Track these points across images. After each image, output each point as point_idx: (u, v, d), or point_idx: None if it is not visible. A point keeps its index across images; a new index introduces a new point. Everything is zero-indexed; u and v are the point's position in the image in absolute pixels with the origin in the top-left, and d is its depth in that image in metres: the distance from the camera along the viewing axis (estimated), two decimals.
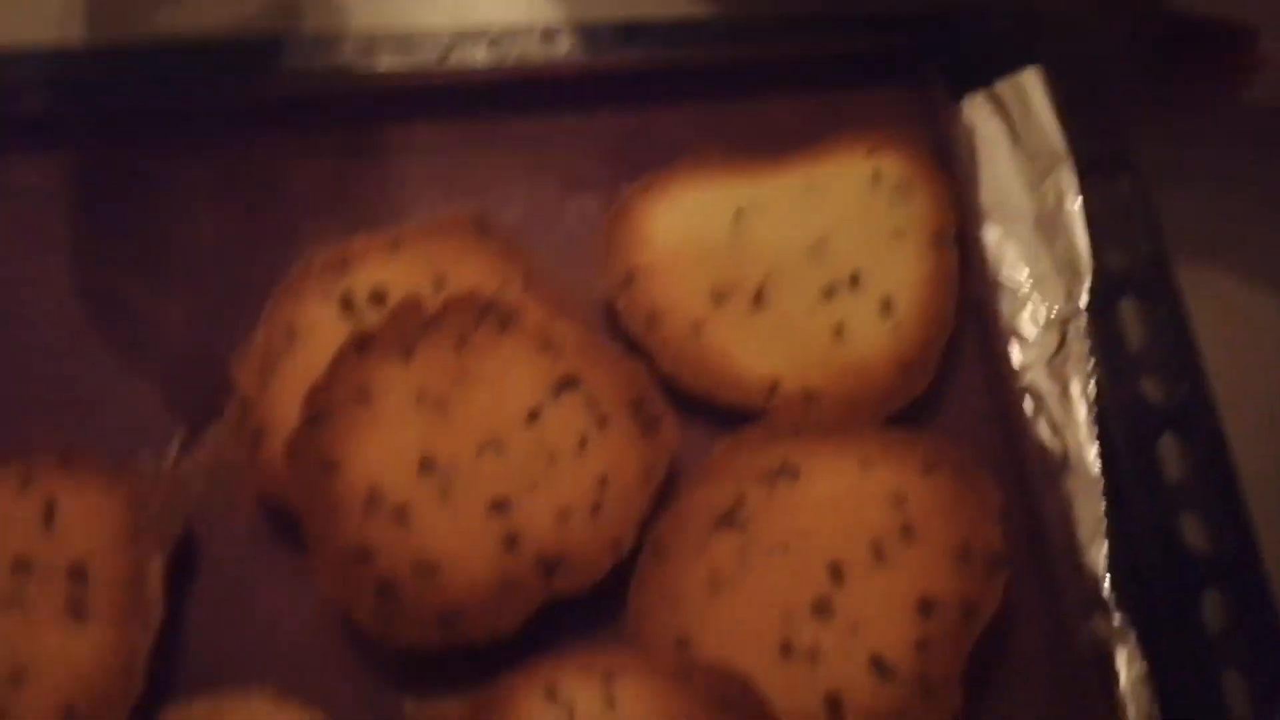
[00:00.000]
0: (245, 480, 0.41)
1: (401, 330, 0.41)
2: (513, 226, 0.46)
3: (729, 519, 0.39)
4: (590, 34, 0.51)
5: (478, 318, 0.41)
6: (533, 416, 0.40)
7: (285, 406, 0.40)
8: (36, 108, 0.49)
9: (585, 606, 0.39)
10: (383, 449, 0.39)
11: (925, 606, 0.37)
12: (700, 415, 0.42)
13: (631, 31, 0.51)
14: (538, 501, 0.38)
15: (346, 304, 0.43)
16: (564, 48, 0.51)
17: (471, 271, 0.44)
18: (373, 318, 0.42)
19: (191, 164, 0.49)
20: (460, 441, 0.39)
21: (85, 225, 0.48)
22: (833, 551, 0.38)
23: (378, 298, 0.43)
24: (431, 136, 0.49)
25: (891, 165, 0.47)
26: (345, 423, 0.39)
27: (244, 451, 0.40)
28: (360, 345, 0.40)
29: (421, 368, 0.40)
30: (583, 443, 0.39)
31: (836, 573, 0.38)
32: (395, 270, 0.43)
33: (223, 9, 0.53)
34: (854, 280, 0.44)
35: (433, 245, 0.44)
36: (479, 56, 0.50)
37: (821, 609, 0.37)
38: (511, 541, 0.38)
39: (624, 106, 0.50)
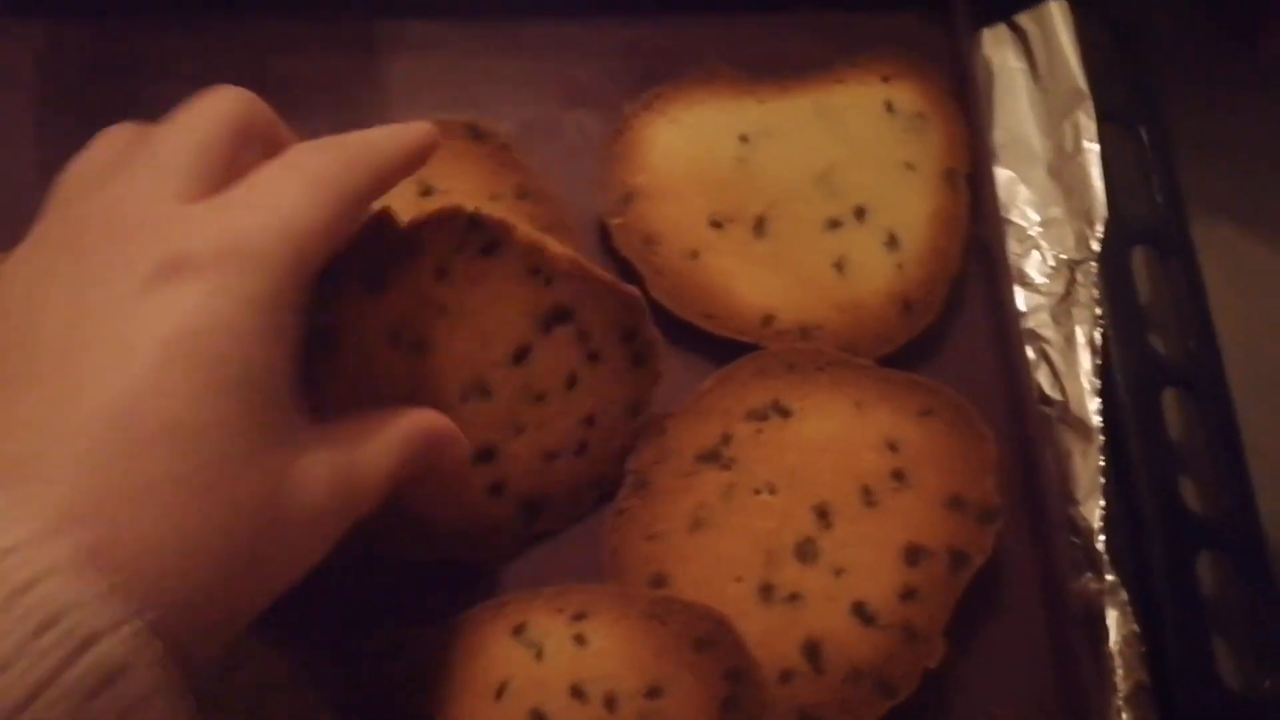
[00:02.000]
0: None
1: (370, 255, 0.32)
2: (506, 136, 0.43)
3: (715, 455, 0.37)
4: None
5: (459, 240, 0.33)
6: (520, 355, 0.35)
7: None
8: None
9: (560, 542, 0.37)
10: (353, 398, 0.32)
11: (912, 554, 0.35)
12: (691, 346, 0.40)
13: None
14: (524, 445, 0.36)
15: None
16: None
17: (460, 181, 0.41)
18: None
19: (175, 48, 0.46)
20: (443, 387, 0.34)
21: (59, 107, 0.45)
22: (821, 493, 0.36)
23: None
24: (426, 35, 0.46)
25: (906, 95, 0.44)
26: (309, 369, 0.30)
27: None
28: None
29: (395, 301, 0.33)
30: (572, 381, 0.36)
31: (823, 515, 0.36)
32: None
33: None
34: (859, 213, 0.41)
35: None
36: None
37: (806, 552, 0.35)
38: (497, 490, 0.35)
39: (629, 17, 0.47)
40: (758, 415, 0.38)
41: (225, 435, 0.24)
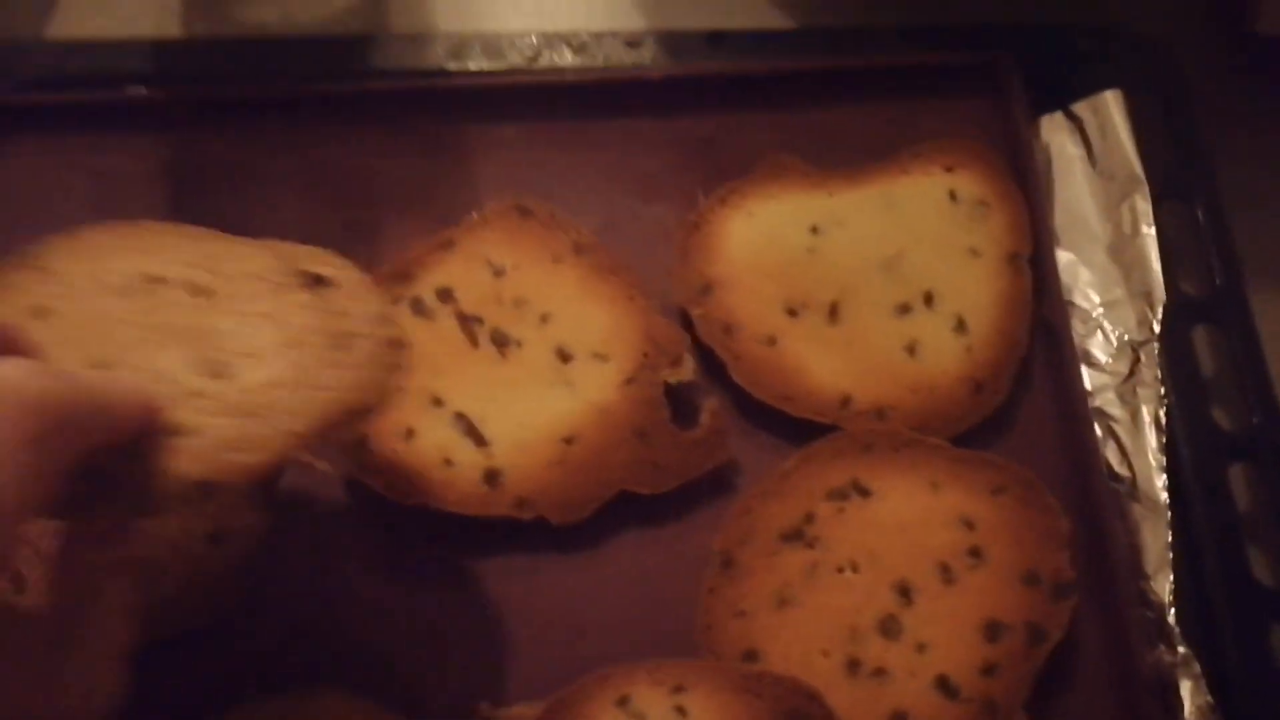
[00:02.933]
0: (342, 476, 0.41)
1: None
2: (550, 208, 0.45)
3: (798, 535, 0.38)
4: (673, 41, 0.50)
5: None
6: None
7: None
8: (135, 96, 0.48)
9: (654, 617, 0.39)
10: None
11: (992, 630, 0.36)
12: (772, 428, 0.42)
13: (714, 39, 0.50)
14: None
15: (418, 308, 0.43)
16: (647, 54, 0.50)
17: (522, 254, 0.44)
18: (444, 315, 0.42)
19: (280, 155, 0.48)
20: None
21: (175, 211, 0.48)
22: (901, 571, 0.38)
23: (445, 296, 0.43)
24: (514, 136, 0.49)
25: (969, 183, 0.46)
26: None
27: (349, 453, 0.40)
28: None
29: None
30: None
31: (904, 592, 0.37)
32: (453, 268, 0.44)
33: (308, 7, 0.53)
34: (928, 298, 0.43)
35: (483, 238, 0.45)
36: (565, 60, 0.50)
37: (889, 628, 0.37)
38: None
39: (703, 114, 0.49)
40: (838, 495, 0.39)
41: None
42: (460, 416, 0.40)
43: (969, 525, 0.38)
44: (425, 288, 0.43)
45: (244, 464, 0.30)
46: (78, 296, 0.32)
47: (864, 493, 0.39)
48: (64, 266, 0.33)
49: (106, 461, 0.28)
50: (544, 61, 0.49)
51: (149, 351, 0.31)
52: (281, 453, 0.30)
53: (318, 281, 0.34)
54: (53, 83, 0.49)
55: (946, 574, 0.37)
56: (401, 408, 0.40)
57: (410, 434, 0.40)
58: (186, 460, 0.29)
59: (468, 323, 0.42)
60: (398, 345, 0.34)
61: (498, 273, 0.44)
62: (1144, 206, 0.44)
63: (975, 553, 0.38)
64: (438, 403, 0.41)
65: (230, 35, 0.52)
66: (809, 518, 0.39)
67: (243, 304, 0.33)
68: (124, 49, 0.50)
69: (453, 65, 0.49)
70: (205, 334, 0.32)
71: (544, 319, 0.42)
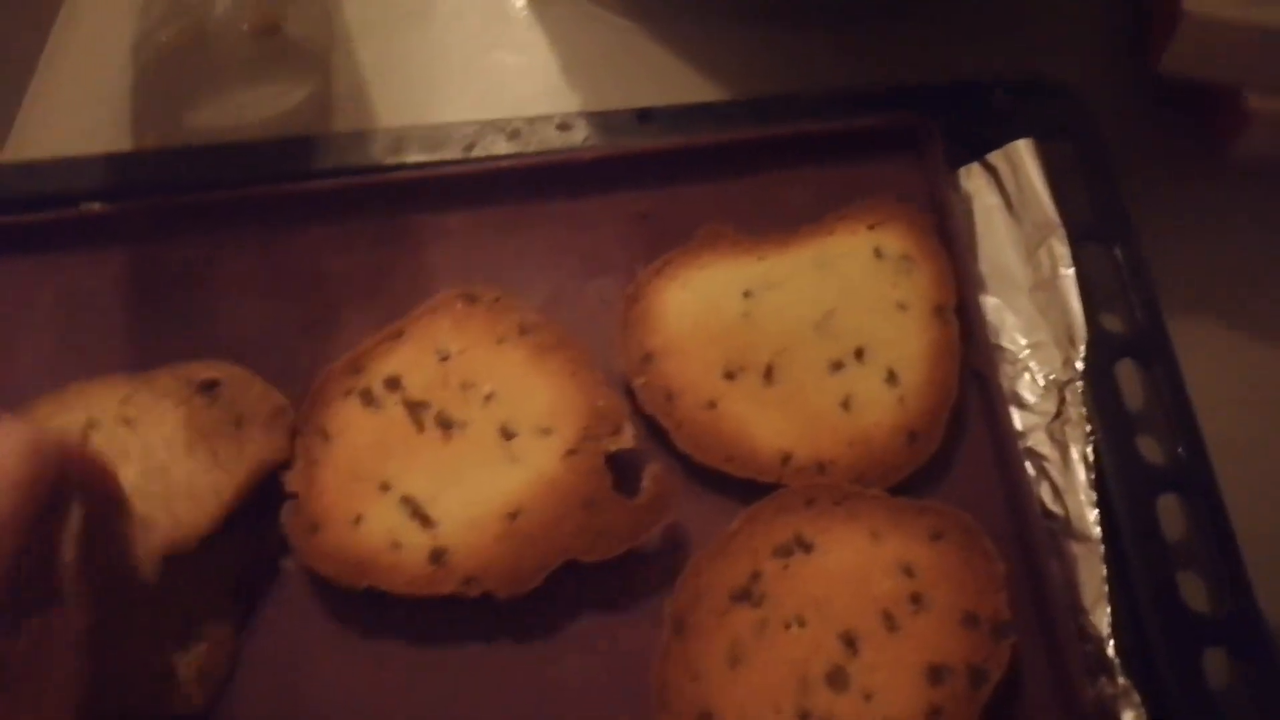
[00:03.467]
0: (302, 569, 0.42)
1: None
2: (495, 293, 0.47)
3: (746, 594, 0.39)
4: (603, 120, 0.52)
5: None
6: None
7: (331, 501, 0.42)
8: (93, 212, 0.50)
9: (610, 683, 0.39)
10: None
11: (935, 674, 0.37)
12: (717, 489, 0.43)
13: (643, 116, 0.52)
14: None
15: (367, 398, 0.44)
16: (580, 135, 0.52)
17: (467, 339, 0.46)
18: (392, 403, 0.44)
19: (237, 258, 0.50)
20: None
21: (139, 320, 0.49)
22: (846, 622, 0.39)
23: (392, 384, 0.44)
24: (458, 224, 0.50)
25: (893, 240, 0.47)
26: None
27: (301, 542, 0.42)
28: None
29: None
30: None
31: (850, 642, 0.38)
32: (401, 357, 0.45)
33: (256, 110, 0.55)
34: (859, 353, 0.45)
35: (429, 326, 0.46)
36: (501, 147, 0.51)
37: (836, 679, 0.38)
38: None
39: (639, 189, 0.50)
40: (783, 551, 0.40)
41: None
42: (407, 500, 0.42)
43: (909, 572, 0.39)
44: (374, 378, 0.45)
45: (191, 534, 0.40)
46: None
47: (807, 547, 0.40)
48: None
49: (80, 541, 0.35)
50: (480, 150, 0.51)
51: None
52: (217, 516, 0.41)
53: (211, 385, 0.44)
54: (12, 205, 0.51)
55: (889, 622, 0.38)
56: (351, 496, 0.42)
57: (359, 520, 0.41)
58: (150, 540, 0.39)
59: (414, 409, 0.44)
60: (283, 412, 0.44)
61: (444, 358, 0.45)
62: (1061, 249, 0.45)
63: (916, 599, 0.39)
64: (385, 488, 0.42)
65: (181, 144, 0.54)
66: (755, 576, 0.40)
67: (161, 421, 0.43)
68: (80, 166, 0.52)
69: (392, 160, 0.51)
70: (143, 451, 0.42)
71: (488, 398, 0.44)
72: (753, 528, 0.41)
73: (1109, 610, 0.39)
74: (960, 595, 0.39)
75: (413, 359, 0.45)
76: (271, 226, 0.50)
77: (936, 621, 0.38)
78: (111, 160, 0.52)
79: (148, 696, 0.40)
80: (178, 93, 0.55)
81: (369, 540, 0.41)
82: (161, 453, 0.42)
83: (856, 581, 0.39)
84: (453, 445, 0.43)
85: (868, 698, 0.37)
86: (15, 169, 0.53)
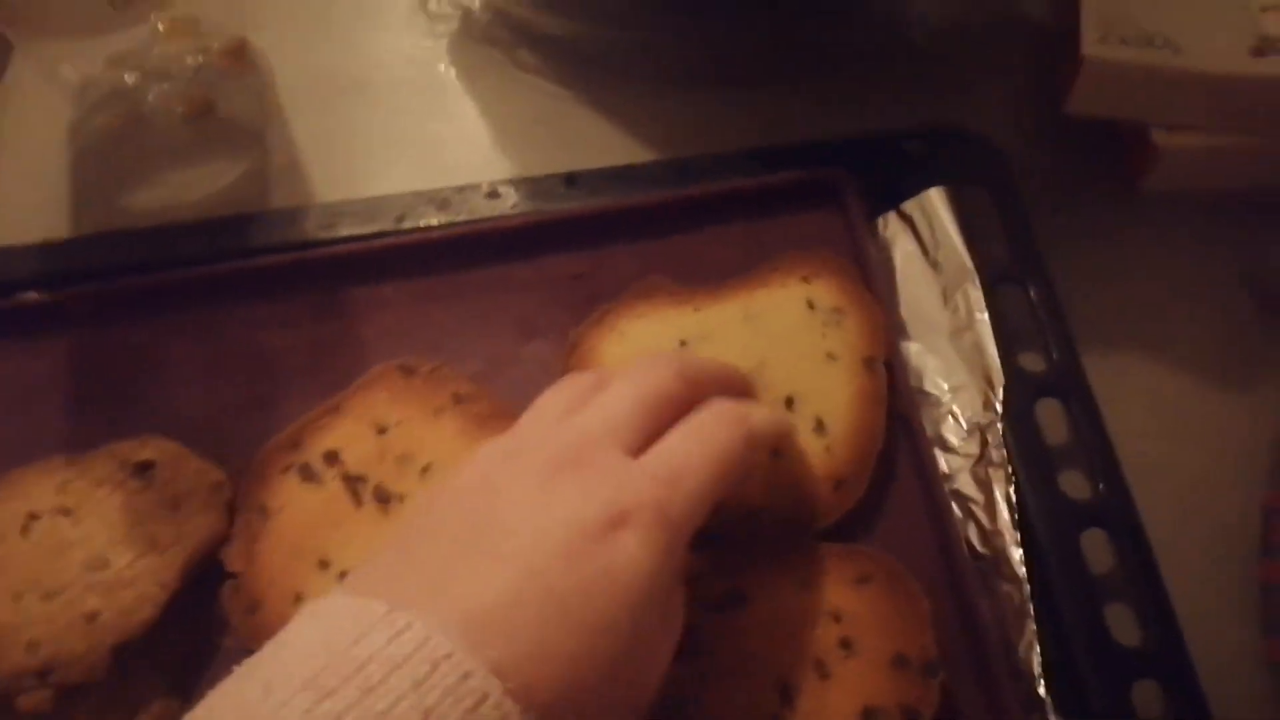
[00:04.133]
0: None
1: None
2: (431, 365, 0.48)
3: (692, 648, 0.40)
4: (532, 186, 0.53)
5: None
6: None
7: (271, 579, 0.42)
8: (29, 301, 0.50)
9: None
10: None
11: (869, 717, 0.38)
12: None
13: (570, 180, 0.53)
14: None
15: (306, 473, 0.44)
16: (509, 202, 0.52)
17: (405, 410, 0.46)
18: (330, 478, 0.44)
19: (176, 339, 0.50)
20: None
21: (82, 403, 0.49)
22: (780, 672, 0.39)
23: (331, 459, 0.45)
24: (394, 294, 0.51)
25: (824, 291, 0.48)
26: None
27: (240, 621, 0.42)
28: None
29: None
30: None
31: (785, 693, 0.38)
32: (340, 431, 0.45)
33: (192, 189, 0.55)
34: (789, 402, 0.45)
35: (367, 399, 0.46)
36: (431, 217, 0.52)
37: None
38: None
39: (570, 251, 0.51)
40: (719, 605, 0.41)
41: (629, 632, 0.32)
42: (345, 575, 0.42)
43: (837, 618, 0.40)
44: (313, 453, 0.45)
45: (139, 621, 0.41)
46: None
47: (741, 600, 0.41)
48: None
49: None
50: (410, 221, 0.52)
51: (54, 568, 0.42)
52: (162, 604, 0.41)
53: (147, 467, 0.45)
54: None
55: (821, 669, 0.39)
56: (291, 573, 0.42)
57: (299, 598, 0.41)
58: (96, 635, 0.40)
59: (352, 483, 0.44)
60: (219, 487, 0.44)
61: (381, 431, 0.45)
62: (975, 294, 0.46)
63: (846, 644, 0.39)
64: (324, 565, 0.42)
65: (118, 228, 0.54)
66: (693, 630, 0.40)
67: (99, 508, 0.44)
68: (15, 255, 0.52)
69: (326, 234, 0.52)
70: (83, 541, 0.43)
71: (425, 470, 0.44)
72: (692, 583, 0.41)
73: (1038, 649, 0.39)
74: (888, 637, 0.39)
75: (351, 433, 0.45)
76: (210, 306, 0.50)
77: (866, 665, 0.39)
78: (47, 248, 0.53)
79: None
80: (114, 176, 0.56)
81: None
82: (102, 542, 0.42)
83: (788, 631, 0.40)
84: (390, 519, 0.43)
85: None
86: None
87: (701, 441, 0.36)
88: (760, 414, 0.39)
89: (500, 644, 0.29)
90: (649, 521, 0.33)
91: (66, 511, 0.43)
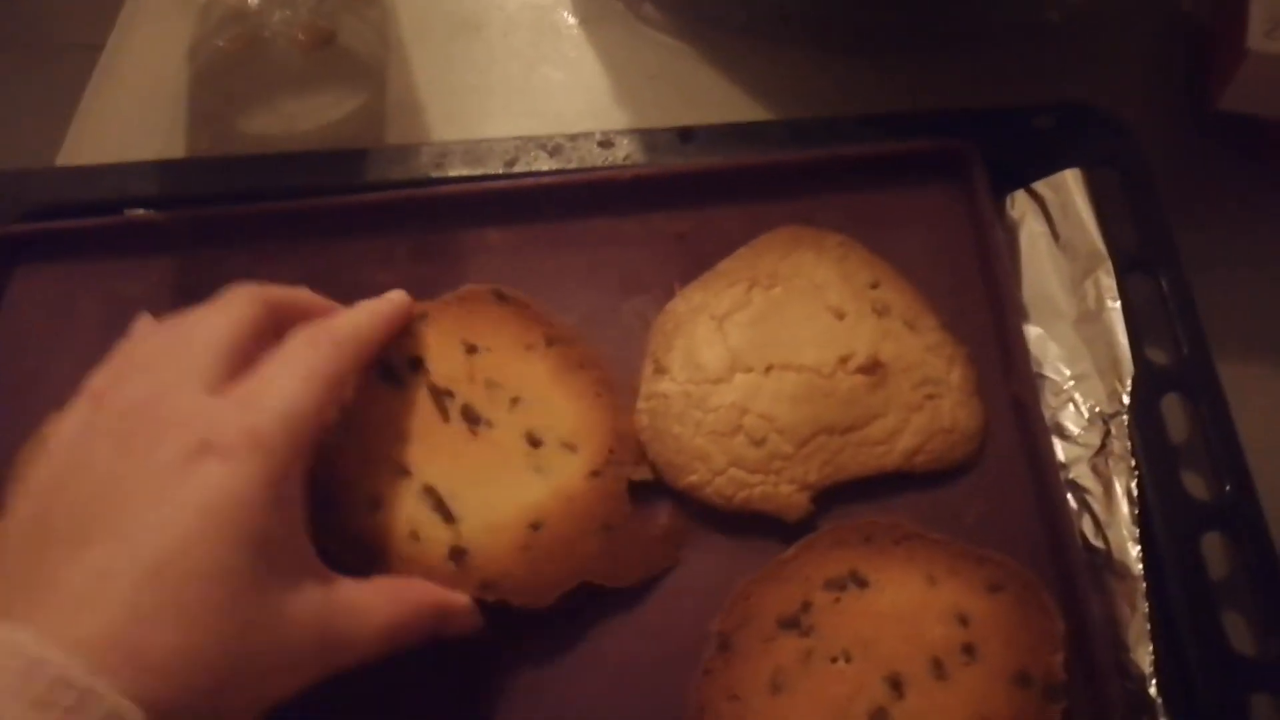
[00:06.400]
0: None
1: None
2: (525, 297, 0.45)
3: (794, 622, 0.37)
4: (646, 138, 0.50)
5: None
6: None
7: (345, 479, 0.39)
8: (140, 220, 0.49)
9: (638, 705, 0.38)
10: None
11: None
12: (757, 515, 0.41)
13: (685, 135, 0.50)
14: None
15: (387, 373, 0.41)
16: (621, 153, 0.50)
17: (496, 338, 0.43)
18: (414, 384, 0.41)
19: (281, 269, 0.47)
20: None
21: None
22: (894, 663, 0.36)
23: (415, 365, 0.42)
24: (497, 239, 0.49)
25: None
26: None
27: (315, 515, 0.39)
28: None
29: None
30: None
31: (896, 685, 0.36)
32: (425, 340, 0.42)
33: (308, 117, 0.53)
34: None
35: (456, 315, 0.44)
36: (542, 163, 0.50)
37: None
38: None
39: (678, 208, 0.48)
40: (836, 585, 0.38)
41: (237, 580, 0.30)
42: (429, 490, 0.39)
43: (963, 621, 0.37)
44: (396, 355, 0.41)
45: None
46: None
47: (861, 583, 0.38)
48: None
49: None
50: (521, 166, 0.49)
51: None
52: None
53: None
54: (62, 210, 0.50)
55: (939, 669, 0.36)
56: (367, 476, 0.39)
57: (376, 504, 0.38)
58: None
59: (439, 395, 0.41)
60: None
61: (469, 350, 0.43)
62: (1108, 281, 0.43)
63: (968, 650, 0.37)
64: (404, 472, 0.39)
65: (229, 153, 0.52)
66: (806, 606, 0.38)
67: None
68: (130, 172, 0.51)
69: (435, 174, 0.49)
70: None
71: (514, 403, 0.42)
72: (808, 557, 0.39)
73: (1151, 649, 0.37)
74: (1014, 652, 0.36)
75: (436, 345, 0.42)
76: (312, 239, 0.49)
77: (987, 676, 0.36)
78: (159, 167, 0.51)
79: None
80: (230, 100, 0.54)
81: (386, 526, 0.38)
82: None
83: (908, 624, 0.37)
84: (478, 443, 0.40)
85: None
86: (67, 174, 0.52)
87: (285, 363, 0.34)
88: (343, 321, 0.37)
89: (100, 631, 0.28)
90: (234, 445, 0.31)
91: None
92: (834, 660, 0.37)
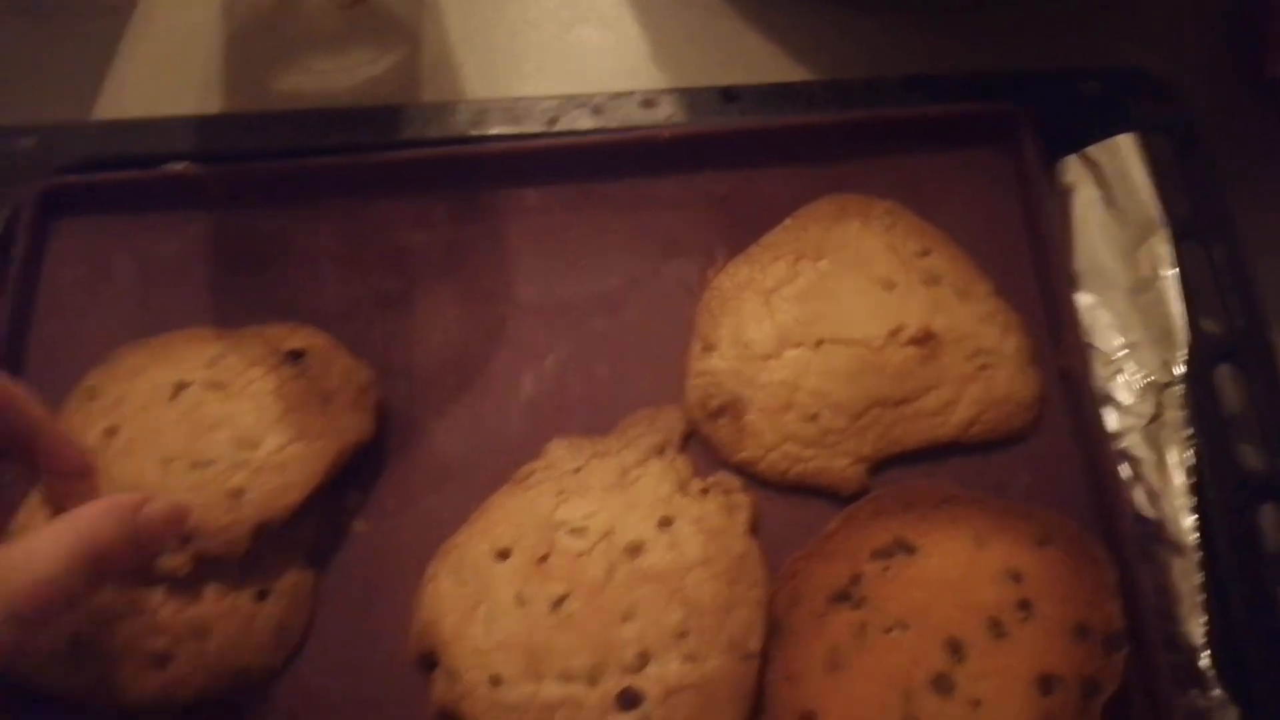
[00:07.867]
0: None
1: None
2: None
3: (846, 596, 0.37)
4: (688, 98, 0.48)
5: None
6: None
7: None
8: (176, 174, 0.47)
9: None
10: None
11: (1045, 684, 0.34)
12: (810, 489, 0.40)
13: (728, 95, 0.48)
14: None
15: None
16: (663, 113, 0.48)
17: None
18: None
19: (316, 227, 0.47)
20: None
21: (216, 288, 0.46)
22: (951, 628, 0.35)
23: None
24: (536, 200, 0.47)
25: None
26: None
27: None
28: None
29: None
30: None
31: (955, 649, 0.35)
32: None
33: (343, 75, 0.51)
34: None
35: None
36: (584, 122, 0.48)
37: (942, 686, 0.35)
38: None
39: (720, 169, 0.47)
40: (883, 554, 0.37)
41: None
42: None
43: (1016, 578, 0.36)
44: None
45: (284, 505, 0.38)
46: (136, 412, 0.40)
47: (909, 550, 0.37)
48: (110, 389, 0.41)
49: None
50: (563, 125, 0.48)
51: (203, 440, 0.39)
52: (307, 492, 0.38)
53: (298, 355, 0.42)
54: (98, 164, 0.48)
55: (997, 629, 0.35)
56: None
57: None
58: (242, 511, 0.38)
59: None
60: (368, 389, 0.42)
61: None
62: (1163, 250, 0.42)
63: (1024, 606, 0.36)
64: None
65: (265, 110, 0.50)
66: (856, 578, 0.37)
67: (250, 388, 0.40)
68: (166, 127, 0.49)
69: (474, 132, 0.47)
70: (233, 418, 0.40)
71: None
72: (851, 528, 0.38)
73: (1204, 620, 0.36)
74: (1069, 605, 0.35)
75: None
76: (349, 197, 0.47)
77: (1045, 630, 0.35)
78: (197, 122, 0.49)
79: (221, 659, 0.37)
80: (266, 57, 0.52)
81: None
82: (251, 422, 0.39)
83: (961, 587, 0.36)
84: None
85: (976, 705, 0.34)
86: (103, 128, 0.50)
87: (65, 528, 0.31)
88: (154, 507, 0.33)
89: None
90: None
91: (218, 386, 0.40)
92: (889, 631, 0.36)
